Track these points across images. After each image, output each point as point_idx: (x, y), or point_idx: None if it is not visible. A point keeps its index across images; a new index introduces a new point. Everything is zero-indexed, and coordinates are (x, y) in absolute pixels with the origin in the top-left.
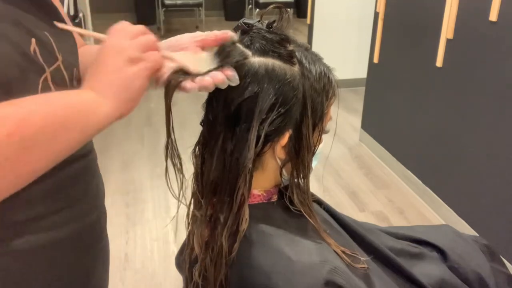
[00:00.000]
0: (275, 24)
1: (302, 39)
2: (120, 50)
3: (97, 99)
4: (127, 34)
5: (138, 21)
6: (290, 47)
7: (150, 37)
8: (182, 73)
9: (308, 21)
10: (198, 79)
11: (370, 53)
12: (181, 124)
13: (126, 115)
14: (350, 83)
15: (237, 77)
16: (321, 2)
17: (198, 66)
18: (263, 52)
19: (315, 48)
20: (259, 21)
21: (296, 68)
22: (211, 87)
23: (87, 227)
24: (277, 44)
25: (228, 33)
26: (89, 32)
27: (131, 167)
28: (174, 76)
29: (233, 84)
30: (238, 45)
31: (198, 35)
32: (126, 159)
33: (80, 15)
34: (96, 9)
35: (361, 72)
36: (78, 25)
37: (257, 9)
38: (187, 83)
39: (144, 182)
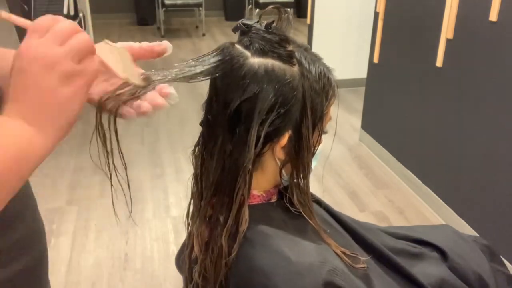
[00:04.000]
0: (274, 25)
1: (302, 39)
2: (51, 64)
3: (33, 137)
4: (55, 36)
5: (138, 21)
6: (290, 48)
7: (84, 36)
8: (115, 94)
9: (308, 21)
10: (136, 105)
11: (370, 53)
12: (181, 123)
13: (62, 140)
14: (350, 83)
15: (176, 94)
16: (321, 2)
17: (132, 72)
18: (262, 53)
19: (315, 48)
20: (258, 21)
21: (295, 68)
22: (151, 112)
23: (18, 239)
24: (277, 45)
25: (166, 44)
26: (10, 15)
27: (131, 167)
28: (109, 101)
29: (172, 102)
30: (237, 46)
31: (131, 47)
32: (126, 159)
33: (80, 15)
34: (96, 9)
35: (361, 72)
36: (78, 25)
37: (257, 9)
38: (124, 110)
39: (144, 182)
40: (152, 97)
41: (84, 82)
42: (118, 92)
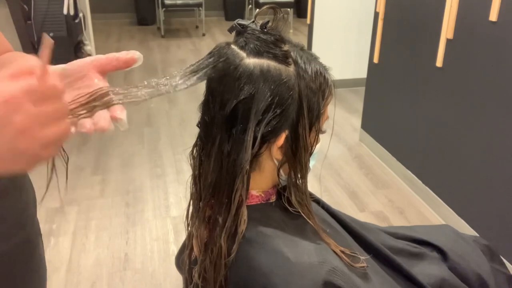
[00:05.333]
0: (269, 24)
1: (302, 39)
2: (26, 138)
3: None
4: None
5: (138, 21)
6: (285, 47)
7: (58, 100)
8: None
9: (308, 21)
10: (79, 123)
11: (370, 53)
12: (181, 124)
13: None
14: (350, 83)
15: (125, 122)
16: (321, 2)
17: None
18: (257, 53)
19: (315, 48)
20: (253, 21)
21: (291, 68)
22: (92, 132)
23: (14, 248)
24: (272, 45)
25: (134, 54)
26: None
27: (131, 167)
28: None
29: (122, 129)
30: (233, 46)
31: (98, 58)
32: (126, 159)
33: (80, 15)
34: (96, 9)
35: (361, 72)
36: (78, 25)
37: (257, 9)
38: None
39: (144, 182)
40: (98, 118)
41: (53, 151)
42: (87, 100)
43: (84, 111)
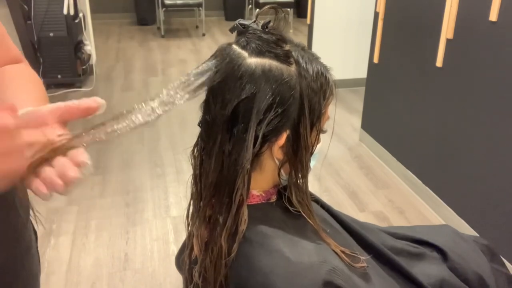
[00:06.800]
0: (270, 24)
1: (302, 39)
2: None
3: None
4: None
5: (138, 21)
6: (287, 47)
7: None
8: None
9: (308, 21)
10: (47, 180)
11: (370, 53)
12: (181, 124)
13: None
14: (350, 83)
15: (90, 164)
16: (321, 2)
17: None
18: (259, 53)
19: (315, 48)
20: (255, 21)
21: (293, 68)
22: (63, 189)
23: None
24: (273, 44)
25: (95, 101)
26: None
27: (131, 167)
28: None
29: (86, 173)
30: (234, 46)
31: (57, 108)
32: (126, 159)
33: (80, 15)
34: (96, 9)
35: (361, 72)
36: (78, 25)
37: (257, 9)
38: (34, 185)
39: (144, 182)
40: (62, 169)
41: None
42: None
43: (41, 162)
